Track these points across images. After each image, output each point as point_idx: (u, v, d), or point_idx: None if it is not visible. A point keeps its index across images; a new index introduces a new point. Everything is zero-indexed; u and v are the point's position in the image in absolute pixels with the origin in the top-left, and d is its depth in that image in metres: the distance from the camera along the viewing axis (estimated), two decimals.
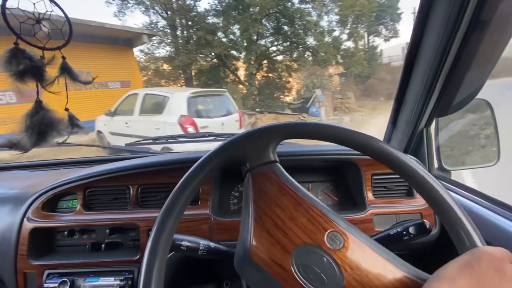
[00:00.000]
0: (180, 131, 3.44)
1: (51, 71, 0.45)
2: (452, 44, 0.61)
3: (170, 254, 0.54)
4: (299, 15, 12.04)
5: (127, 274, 0.67)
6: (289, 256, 0.37)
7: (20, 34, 0.40)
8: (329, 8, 13.44)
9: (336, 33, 14.06)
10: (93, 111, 5.41)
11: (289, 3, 12.07)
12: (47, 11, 0.43)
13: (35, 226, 0.71)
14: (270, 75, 13.53)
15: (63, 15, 0.44)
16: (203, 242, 0.52)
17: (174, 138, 1.11)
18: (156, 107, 4.55)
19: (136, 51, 10.81)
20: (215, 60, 12.84)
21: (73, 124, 0.51)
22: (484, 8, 0.54)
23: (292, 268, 0.36)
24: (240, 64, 13.28)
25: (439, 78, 0.68)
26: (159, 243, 0.37)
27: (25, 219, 0.71)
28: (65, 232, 0.72)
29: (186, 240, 0.50)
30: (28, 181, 0.90)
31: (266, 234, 0.38)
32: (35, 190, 0.76)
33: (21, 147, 0.43)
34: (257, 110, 9.83)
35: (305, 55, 13.22)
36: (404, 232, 0.54)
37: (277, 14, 12.37)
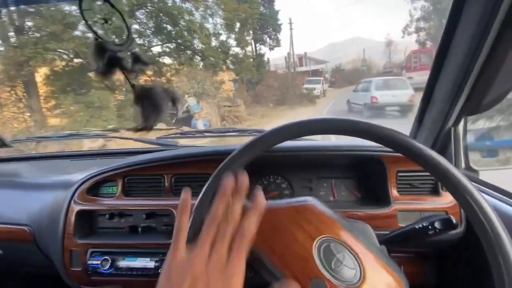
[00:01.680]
0: None
1: None
2: (484, 43, 0.61)
3: None
4: (177, 12, 11.21)
5: (161, 256, 0.73)
6: None
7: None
8: (213, 10, 13.16)
9: (223, 37, 14.05)
10: None
11: None
12: None
13: (81, 209, 0.79)
14: (158, 79, 11.83)
15: None
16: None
17: (200, 133, 1.16)
18: None
19: None
20: (77, 59, 9.54)
21: (174, 98, 0.53)
22: None
23: None
24: None
25: (469, 77, 0.67)
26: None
27: (72, 201, 0.79)
28: (106, 215, 0.79)
29: None
30: (72, 169, 0.99)
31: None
32: (79, 177, 0.84)
33: (145, 127, 0.48)
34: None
35: (194, 59, 12.72)
36: (430, 227, 0.55)
37: (154, 9, 11.39)
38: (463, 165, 0.85)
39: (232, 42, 14.24)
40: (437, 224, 0.54)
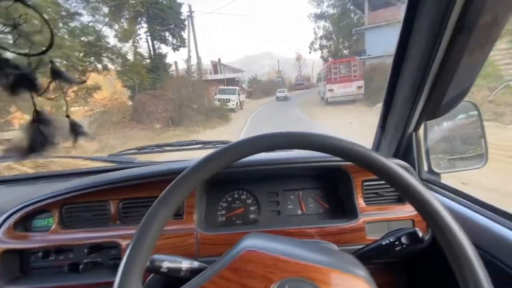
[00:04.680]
0: None
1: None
2: (438, 48, 0.60)
3: (150, 276, 0.51)
4: None
5: None
6: None
7: None
8: None
9: (84, 20, 9.70)
10: None
11: None
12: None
13: (7, 248, 0.66)
14: None
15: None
16: (185, 262, 0.48)
17: (159, 147, 1.07)
18: None
19: None
20: None
21: (77, 132, 0.46)
22: (469, 11, 0.54)
23: None
24: None
25: (426, 81, 0.67)
26: (134, 264, 0.34)
27: None
28: (40, 253, 0.67)
29: (167, 261, 0.47)
30: (3, 198, 0.84)
31: None
32: (8, 207, 0.71)
33: (16, 156, 0.39)
34: None
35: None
36: (397, 242, 0.52)
37: None
38: (425, 168, 0.85)
39: (109, 32, 10.58)
40: (403, 239, 0.52)
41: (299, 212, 0.83)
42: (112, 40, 12.48)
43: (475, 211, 0.64)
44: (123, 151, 1.07)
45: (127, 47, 11.92)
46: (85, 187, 0.69)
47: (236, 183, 0.84)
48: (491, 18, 0.53)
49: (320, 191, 0.84)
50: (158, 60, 14.11)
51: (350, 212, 0.73)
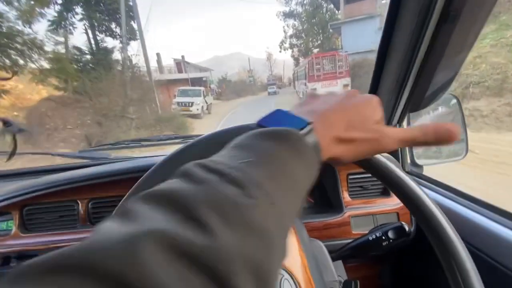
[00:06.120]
0: None
1: None
2: (422, 40, 0.59)
3: None
4: None
5: None
6: None
7: None
8: None
9: None
10: None
11: None
12: None
13: None
14: None
15: None
16: None
17: (136, 142, 1.00)
18: None
19: None
20: None
21: (13, 130, 0.40)
22: (453, 2, 0.52)
23: None
24: None
25: (410, 74, 0.66)
26: None
27: None
28: None
29: None
30: None
31: None
32: None
33: None
34: None
35: None
36: (383, 237, 0.51)
37: None
38: (408, 160, 0.85)
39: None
40: (390, 234, 0.51)
41: None
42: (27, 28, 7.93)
43: (457, 202, 0.65)
44: (95, 146, 1.00)
45: (42, 35, 8.53)
46: (47, 186, 0.62)
47: None
48: (474, 9, 0.53)
49: None
50: (101, 56, 10.99)
51: (335, 206, 0.72)
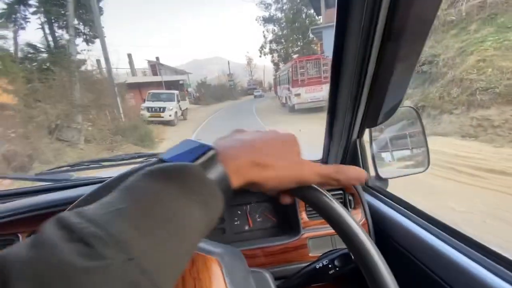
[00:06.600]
0: None
1: None
2: (370, 55, 0.59)
3: None
4: None
5: None
6: None
7: None
8: None
9: None
10: None
11: None
12: None
13: None
14: None
15: None
16: None
17: (96, 163, 0.96)
18: None
19: None
20: None
21: None
22: (395, 18, 0.52)
23: None
24: None
25: (363, 88, 0.66)
26: None
27: None
28: None
29: None
30: None
31: None
32: None
33: None
34: None
35: None
36: (330, 265, 0.49)
37: None
38: (372, 174, 0.84)
39: None
40: (336, 262, 0.49)
41: (246, 227, 0.78)
42: None
43: (413, 221, 0.63)
44: (53, 168, 0.95)
45: None
46: None
47: None
48: (416, 24, 0.52)
49: (268, 204, 0.80)
50: (60, 55, 9.09)
51: (294, 227, 0.70)
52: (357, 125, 0.74)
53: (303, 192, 0.31)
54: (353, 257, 0.33)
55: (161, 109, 11.16)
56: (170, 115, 11.24)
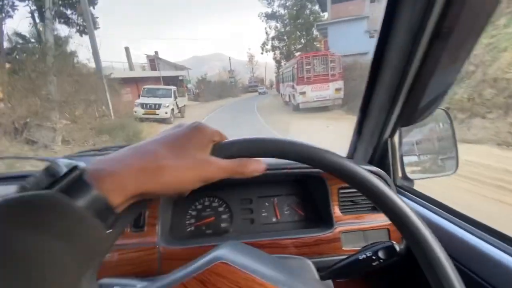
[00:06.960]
0: None
1: None
2: (415, 54, 0.59)
3: None
4: None
5: None
6: None
7: None
8: None
9: None
10: None
11: None
12: None
13: None
14: None
15: None
16: (140, 285, 0.42)
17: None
18: None
19: None
20: None
21: None
22: (446, 18, 0.52)
23: None
24: None
25: (403, 88, 0.66)
26: None
27: None
28: None
29: (119, 286, 0.40)
30: None
31: None
32: None
33: None
34: None
35: None
36: (374, 257, 0.50)
37: None
38: (400, 174, 0.85)
39: None
40: (380, 254, 0.50)
41: (274, 219, 0.79)
42: None
43: (445, 218, 0.64)
44: (81, 152, 0.96)
45: None
46: None
47: (207, 189, 0.78)
48: (468, 25, 0.52)
49: (296, 197, 0.81)
50: (48, 46, 8.24)
51: (325, 221, 0.70)
52: (391, 124, 0.74)
53: (356, 179, 0.33)
54: (406, 242, 0.33)
55: (156, 105, 10.40)
56: (166, 112, 10.42)
